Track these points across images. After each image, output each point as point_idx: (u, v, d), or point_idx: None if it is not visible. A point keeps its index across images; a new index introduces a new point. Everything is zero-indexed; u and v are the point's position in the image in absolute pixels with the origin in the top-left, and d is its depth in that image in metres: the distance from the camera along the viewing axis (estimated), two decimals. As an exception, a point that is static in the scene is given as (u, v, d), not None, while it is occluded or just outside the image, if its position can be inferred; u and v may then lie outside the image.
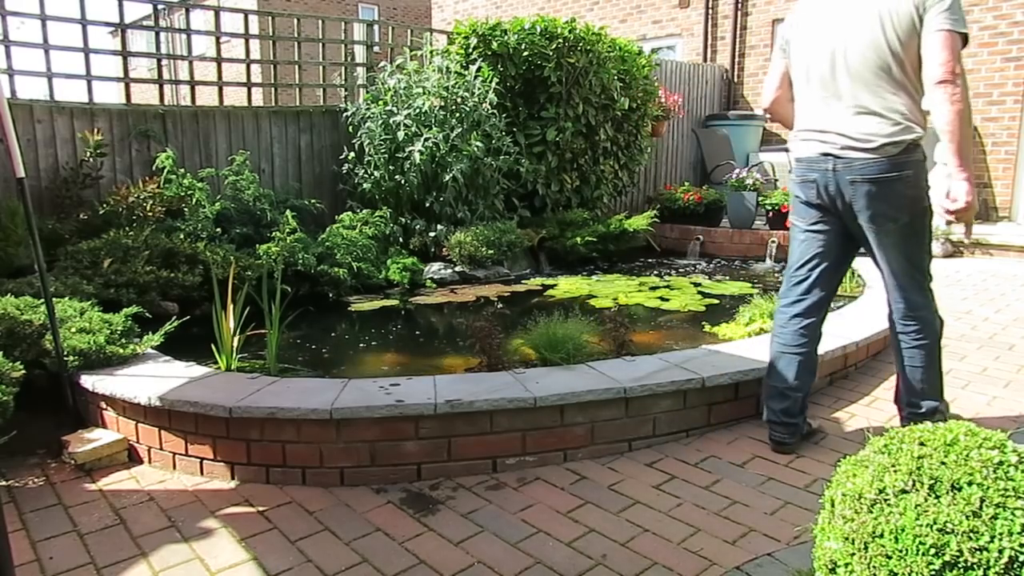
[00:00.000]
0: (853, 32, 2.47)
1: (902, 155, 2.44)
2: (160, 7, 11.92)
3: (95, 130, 5.10)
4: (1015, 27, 7.41)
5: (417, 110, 5.80)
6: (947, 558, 1.16)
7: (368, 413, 2.50)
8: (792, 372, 2.71)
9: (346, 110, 6.26)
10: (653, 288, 5.34)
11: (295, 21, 6.69)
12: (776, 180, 8.07)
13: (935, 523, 1.18)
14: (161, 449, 2.73)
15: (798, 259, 2.73)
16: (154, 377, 2.87)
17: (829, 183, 2.54)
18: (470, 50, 6.39)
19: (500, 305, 4.85)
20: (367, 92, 6.45)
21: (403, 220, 5.90)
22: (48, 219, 4.72)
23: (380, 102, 6.01)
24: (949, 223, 2.52)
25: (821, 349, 3.19)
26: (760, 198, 6.86)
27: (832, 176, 2.53)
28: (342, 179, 6.30)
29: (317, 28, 6.68)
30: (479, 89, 5.99)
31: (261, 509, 2.39)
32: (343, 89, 6.84)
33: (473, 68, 6.11)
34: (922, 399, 2.67)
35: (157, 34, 17.59)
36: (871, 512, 1.26)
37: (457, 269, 5.62)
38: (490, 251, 5.59)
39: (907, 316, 2.63)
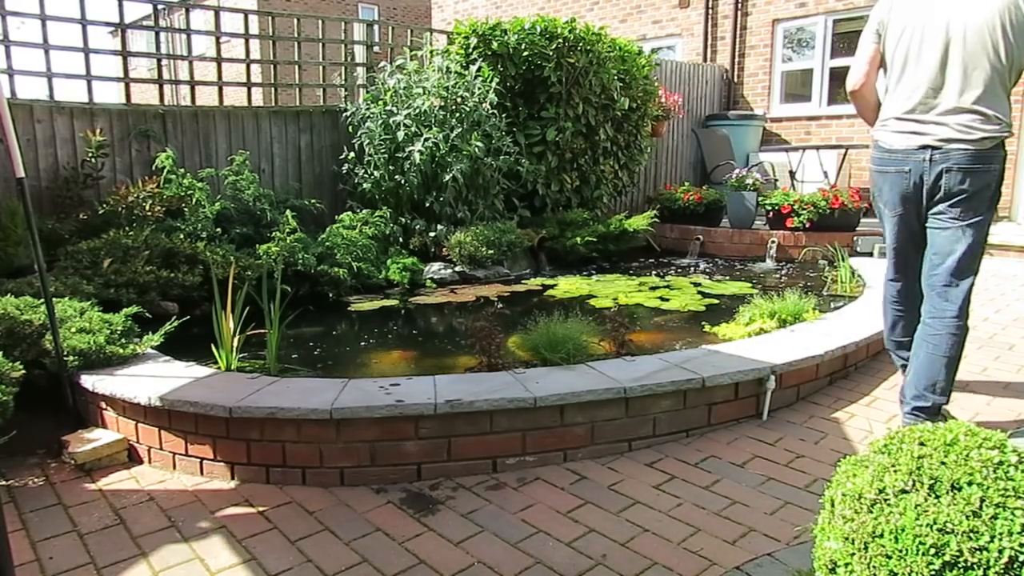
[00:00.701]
0: (972, 31, 2.58)
1: (993, 150, 2.61)
2: (160, 7, 11.93)
3: (95, 130, 5.10)
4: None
5: (417, 110, 5.80)
6: (947, 558, 1.16)
7: (368, 413, 2.50)
8: (912, 329, 2.91)
9: (346, 110, 6.26)
10: (653, 288, 5.34)
11: (295, 21, 6.69)
12: (776, 180, 8.07)
13: (935, 523, 1.18)
14: (161, 449, 2.73)
15: (892, 240, 2.92)
16: (154, 377, 2.87)
17: (925, 172, 2.66)
18: (470, 50, 6.39)
19: (500, 305, 4.85)
20: (367, 92, 6.45)
21: (403, 220, 5.90)
22: (48, 219, 4.72)
23: (380, 102, 6.01)
24: None
25: (821, 349, 3.24)
26: (760, 198, 6.85)
27: (928, 166, 2.65)
28: (342, 179, 6.30)
29: (317, 28, 6.68)
30: (479, 89, 5.99)
31: (261, 509, 2.39)
32: (343, 89, 6.84)
33: (473, 68, 6.11)
34: (932, 393, 2.71)
35: (157, 34, 17.60)
36: (871, 512, 1.26)
37: (457, 269, 5.62)
38: (490, 251, 5.59)
39: (950, 301, 2.69)
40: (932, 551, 1.17)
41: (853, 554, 1.27)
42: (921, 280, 2.82)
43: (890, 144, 2.75)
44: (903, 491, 1.25)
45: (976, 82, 2.59)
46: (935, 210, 2.71)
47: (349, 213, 5.75)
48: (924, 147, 2.64)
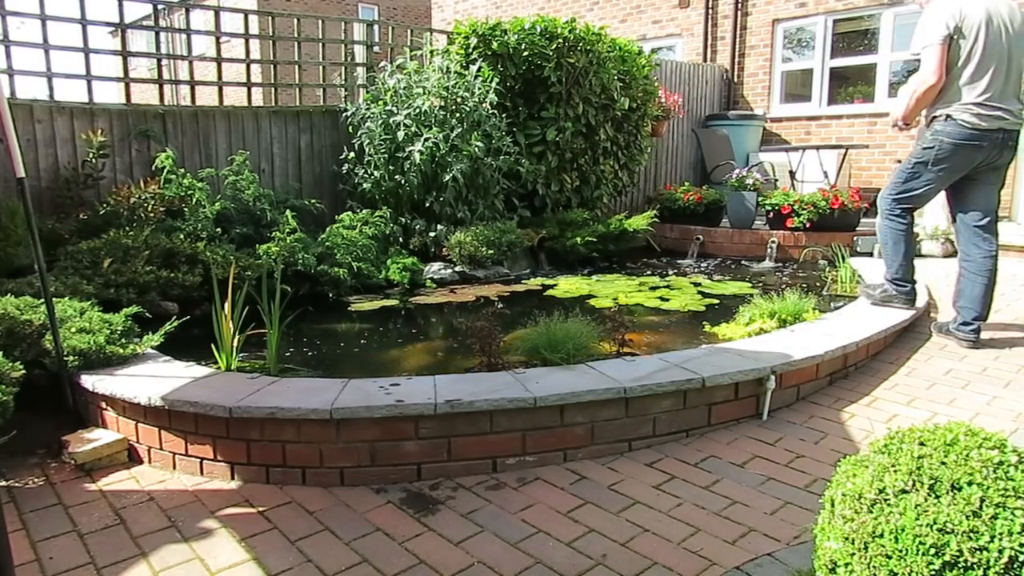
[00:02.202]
0: (1016, 32, 3.51)
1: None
2: (160, 7, 11.93)
3: (96, 130, 5.10)
4: (1015, 27, 7.40)
5: (417, 110, 5.80)
6: (947, 558, 1.16)
7: (368, 413, 2.50)
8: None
9: (346, 110, 6.26)
10: (653, 288, 5.34)
11: (295, 21, 6.69)
12: (776, 180, 8.07)
13: (935, 523, 1.18)
14: (161, 449, 2.73)
15: (925, 194, 3.77)
16: (154, 377, 2.87)
17: (996, 146, 3.55)
18: (470, 50, 6.39)
19: (500, 305, 4.85)
20: (367, 92, 6.45)
21: (403, 220, 5.90)
22: (48, 219, 4.73)
23: (380, 102, 6.01)
24: None
25: (821, 349, 3.24)
26: (760, 198, 6.85)
27: (999, 142, 3.55)
28: (342, 179, 6.30)
29: (317, 28, 6.68)
30: (479, 89, 5.99)
31: (261, 509, 2.39)
32: (343, 89, 6.85)
33: (473, 68, 6.11)
34: (987, 311, 3.80)
35: (157, 34, 17.62)
36: (871, 512, 1.26)
37: (457, 269, 5.62)
38: (490, 251, 5.59)
39: (994, 239, 3.72)
40: (932, 551, 1.17)
41: (853, 554, 1.27)
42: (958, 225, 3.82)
43: (975, 124, 3.51)
44: (903, 491, 1.26)
45: (1018, 76, 3.53)
46: (983, 174, 3.64)
47: (349, 213, 5.75)
48: (1000, 129, 3.51)
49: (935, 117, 3.64)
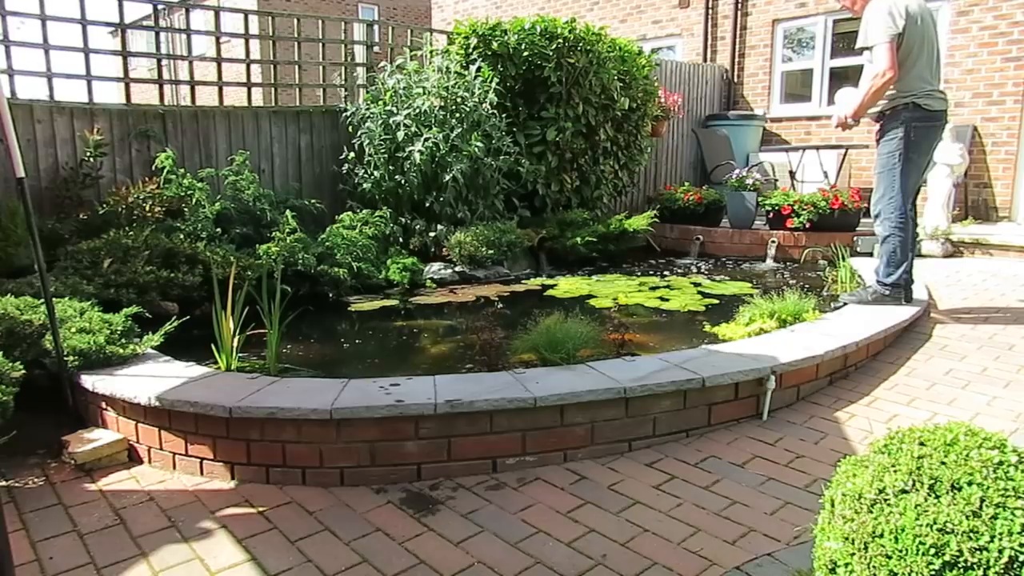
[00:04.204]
0: (935, 33, 3.91)
1: None
2: (160, 7, 11.93)
3: (95, 130, 5.10)
4: (1015, 27, 7.41)
5: (417, 110, 5.80)
6: (947, 558, 1.16)
7: (368, 413, 2.50)
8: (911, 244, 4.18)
9: (346, 110, 6.26)
10: (653, 288, 5.34)
11: (295, 21, 6.69)
12: (776, 180, 8.07)
13: (935, 523, 1.18)
14: (161, 449, 2.73)
15: (915, 181, 4.02)
16: (154, 377, 2.87)
17: (944, 126, 4.00)
18: (470, 50, 6.39)
19: (500, 305, 4.85)
20: (367, 92, 6.45)
21: (403, 220, 5.90)
22: (48, 219, 4.73)
23: (380, 102, 6.01)
24: None
25: (821, 349, 3.25)
26: (760, 198, 6.85)
27: (945, 121, 3.99)
28: (342, 179, 6.30)
29: (317, 28, 6.68)
30: (479, 89, 5.99)
31: (261, 509, 2.39)
32: (343, 89, 6.84)
33: (473, 68, 6.11)
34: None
35: (157, 34, 17.62)
36: (871, 512, 1.26)
37: (457, 269, 5.62)
38: (490, 251, 5.59)
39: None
40: (932, 551, 1.17)
41: (853, 554, 1.27)
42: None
43: (936, 107, 3.86)
44: (903, 491, 1.26)
45: (939, 61, 3.95)
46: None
47: (349, 213, 5.75)
48: (945, 110, 3.93)
49: (894, 108, 3.88)
